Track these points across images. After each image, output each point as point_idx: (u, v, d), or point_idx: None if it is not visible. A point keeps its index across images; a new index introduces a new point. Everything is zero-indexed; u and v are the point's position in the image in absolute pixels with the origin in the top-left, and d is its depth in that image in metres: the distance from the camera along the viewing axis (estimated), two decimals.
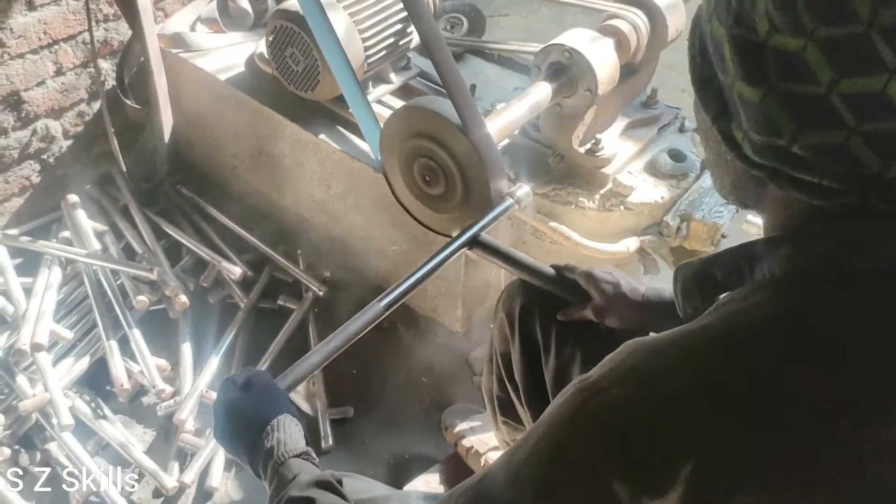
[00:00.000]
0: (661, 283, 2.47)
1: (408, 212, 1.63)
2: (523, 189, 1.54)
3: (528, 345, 1.36)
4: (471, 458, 1.84)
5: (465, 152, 1.46)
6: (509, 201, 1.50)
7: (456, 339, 2.22)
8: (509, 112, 1.66)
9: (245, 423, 1.02)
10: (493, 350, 1.49)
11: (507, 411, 1.49)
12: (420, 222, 1.62)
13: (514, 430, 1.50)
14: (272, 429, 0.99)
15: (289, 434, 0.99)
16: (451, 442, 1.90)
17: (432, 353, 2.19)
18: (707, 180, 1.99)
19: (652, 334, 0.80)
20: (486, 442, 1.83)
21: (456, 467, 1.88)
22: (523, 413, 1.43)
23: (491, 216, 1.44)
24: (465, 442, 1.85)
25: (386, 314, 1.26)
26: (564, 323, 1.32)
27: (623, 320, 1.25)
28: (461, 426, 1.89)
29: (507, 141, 1.99)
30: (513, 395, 1.44)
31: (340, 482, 0.95)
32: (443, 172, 1.50)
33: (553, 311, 1.33)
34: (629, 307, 1.25)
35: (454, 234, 1.58)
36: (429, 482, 1.85)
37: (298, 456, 0.97)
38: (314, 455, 1.00)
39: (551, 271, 1.35)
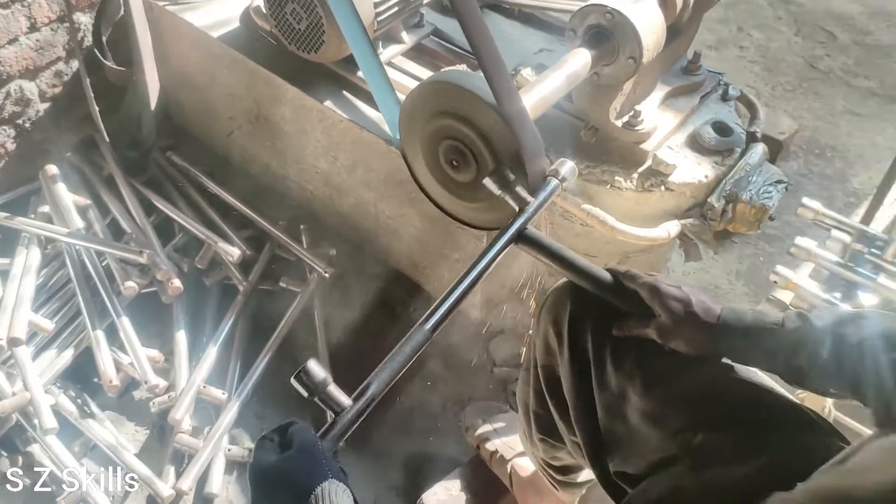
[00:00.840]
0: (703, 271, 2.31)
1: (433, 202, 1.43)
2: (567, 165, 1.33)
3: (577, 358, 1.18)
4: (495, 463, 1.68)
5: (499, 134, 1.26)
6: (553, 182, 1.30)
7: (475, 326, 2.05)
8: (545, 84, 1.46)
9: (284, 492, 0.85)
10: (531, 360, 1.31)
11: (545, 429, 1.32)
12: (447, 213, 1.42)
13: (553, 447, 1.34)
14: (316, 499, 0.83)
15: None
16: (472, 445, 1.74)
17: (449, 341, 2.02)
18: (754, 156, 1.80)
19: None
20: (513, 447, 1.67)
21: (478, 472, 1.73)
22: (566, 432, 1.26)
23: (536, 204, 1.24)
24: (489, 446, 1.69)
25: (433, 337, 1.07)
26: (621, 337, 1.14)
27: (691, 345, 1.07)
28: (483, 428, 1.74)
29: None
30: (554, 412, 1.27)
31: None
32: (473, 157, 1.30)
33: (609, 322, 1.15)
34: (700, 330, 1.06)
35: (486, 226, 1.39)
36: (449, 489, 1.69)
37: None
38: None
39: (608, 276, 1.16)
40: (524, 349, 1.36)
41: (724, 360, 1.10)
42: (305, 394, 0.91)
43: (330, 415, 0.94)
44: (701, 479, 1.01)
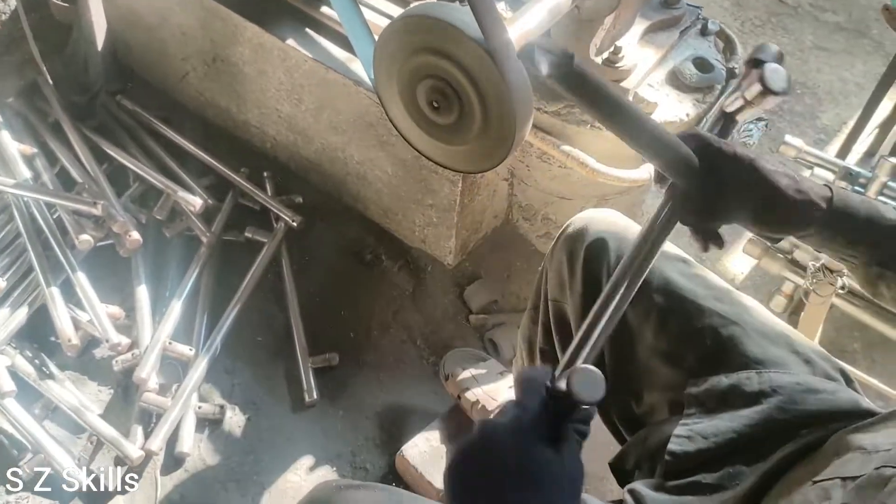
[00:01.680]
0: None
1: (413, 146, 1.35)
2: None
3: (591, 292, 1.12)
4: (476, 413, 1.65)
5: (484, 71, 1.18)
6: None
7: (449, 272, 1.99)
8: (526, 19, 1.36)
9: None
10: (540, 294, 1.26)
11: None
12: (428, 158, 1.34)
13: None
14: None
15: None
16: (452, 394, 1.70)
17: (423, 289, 1.96)
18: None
19: None
20: (495, 397, 1.64)
21: (458, 422, 1.69)
22: None
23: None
24: (470, 395, 1.66)
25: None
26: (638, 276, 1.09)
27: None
28: (463, 375, 1.69)
29: None
30: (559, 350, 1.23)
31: None
32: (456, 97, 1.22)
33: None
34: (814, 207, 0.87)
35: (469, 169, 1.32)
36: (429, 440, 1.66)
37: None
38: None
39: (693, 159, 0.88)
40: (535, 285, 1.29)
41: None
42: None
43: None
44: (706, 425, 0.98)
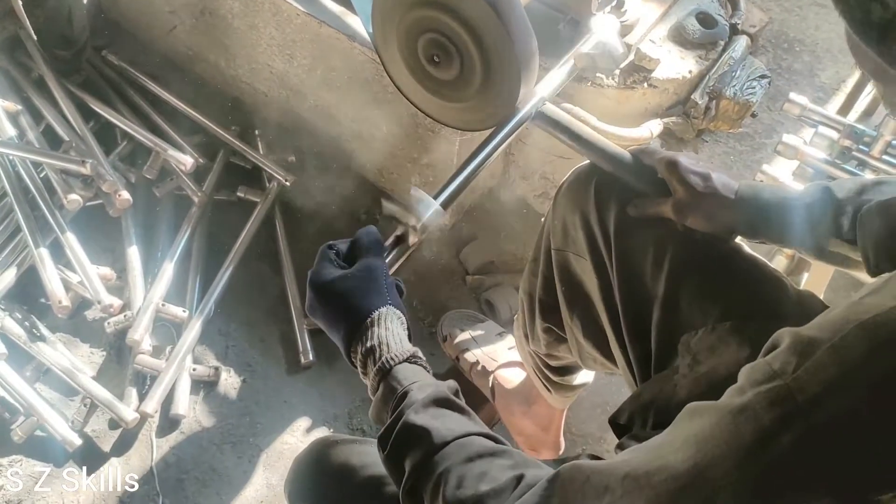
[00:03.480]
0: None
1: (413, 104, 1.31)
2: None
3: (601, 236, 1.13)
4: (476, 374, 1.64)
5: (487, 24, 1.14)
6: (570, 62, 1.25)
7: (445, 232, 1.96)
8: None
9: (343, 310, 0.88)
10: (543, 246, 1.24)
11: (551, 317, 1.27)
12: (428, 115, 1.31)
13: (556, 341, 1.29)
14: (372, 323, 0.86)
15: (391, 332, 0.86)
16: (450, 355, 1.69)
17: (418, 250, 1.94)
18: (738, 50, 1.72)
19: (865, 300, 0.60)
20: (495, 358, 1.62)
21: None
22: (570, 323, 1.21)
23: (561, 79, 1.19)
24: (469, 356, 1.64)
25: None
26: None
27: (709, 221, 1.03)
28: (462, 337, 1.68)
29: None
30: (562, 301, 1.22)
31: (458, 393, 0.85)
32: (457, 51, 1.18)
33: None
34: (719, 205, 1.02)
35: (470, 127, 1.29)
36: None
37: (405, 360, 0.85)
38: (421, 355, 0.88)
39: (627, 155, 1.10)
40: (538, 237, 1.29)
41: (739, 239, 1.07)
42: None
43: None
44: (694, 375, 0.98)
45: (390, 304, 0.88)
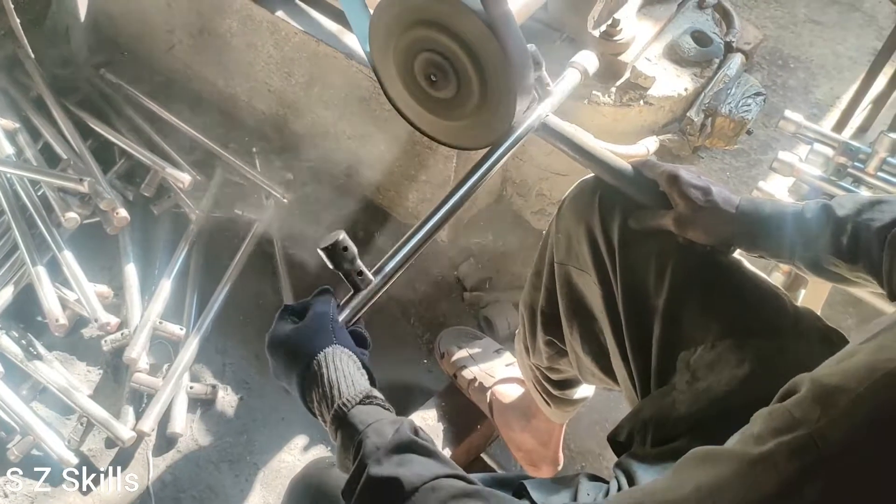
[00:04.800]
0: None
1: (409, 122, 1.32)
2: (585, 55, 1.27)
3: (606, 250, 1.13)
4: (473, 391, 1.63)
5: (483, 43, 1.15)
6: (575, 73, 1.25)
7: (442, 249, 1.97)
8: None
9: (292, 357, 0.86)
10: (546, 258, 1.24)
11: (552, 330, 1.26)
12: (425, 134, 1.31)
13: (558, 354, 1.28)
14: (319, 365, 0.83)
15: (342, 372, 0.83)
16: (448, 372, 1.69)
17: (417, 265, 1.94)
18: (733, 67, 1.73)
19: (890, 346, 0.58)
20: (492, 374, 1.62)
21: (454, 400, 1.68)
22: (570, 334, 1.21)
23: (562, 91, 1.21)
24: (467, 374, 1.64)
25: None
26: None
27: (709, 235, 1.03)
28: (459, 354, 1.68)
29: None
30: (563, 315, 1.22)
31: (417, 431, 0.81)
32: (454, 70, 1.19)
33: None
34: (719, 218, 1.02)
35: (467, 146, 1.29)
36: (425, 419, 1.64)
37: (360, 402, 0.82)
38: (377, 393, 0.84)
39: (628, 168, 1.10)
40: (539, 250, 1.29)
41: (738, 252, 1.07)
42: (331, 265, 0.90)
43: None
44: (693, 391, 0.97)
45: (336, 343, 0.85)
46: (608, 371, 1.17)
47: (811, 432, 0.56)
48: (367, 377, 0.86)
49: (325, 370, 0.83)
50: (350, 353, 0.85)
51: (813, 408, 0.57)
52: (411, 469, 0.75)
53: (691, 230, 1.04)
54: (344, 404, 0.80)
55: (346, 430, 0.80)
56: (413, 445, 0.77)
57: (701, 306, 1.03)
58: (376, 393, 0.84)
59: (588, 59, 1.25)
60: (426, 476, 0.74)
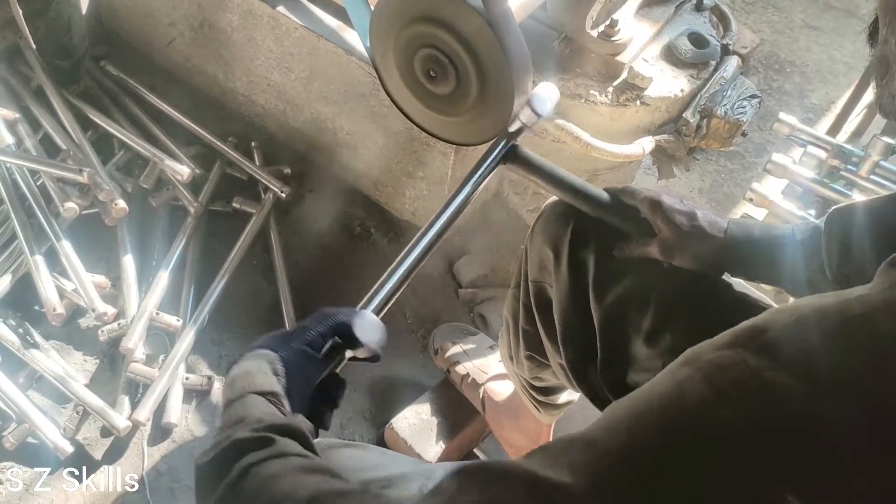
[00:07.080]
0: (678, 187, 2.28)
1: (408, 117, 1.33)
2: (544, 87, 1.27)
3: (577, 277, 1.13)
4: (466, 387, 1.65)
5: (483, 40, 1.16)
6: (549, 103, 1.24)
7: (438, 246, 1.97)
8: None
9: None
10: (521, 274, 1.25)
11: (533, 346, 1.28)
12: (423, 129, 1.33)
13: (539, 367, 1.30)
14: (242, 357, 0.80)
15: (260, 367, 0.77)
16: (442, 368, 1.70)
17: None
18: (729, 70, 1.75)
19: (814, 298, 0.58)
20: (485, 371, 1.64)
21: (448, 395, 1.69)
22: (552, 352, 1.22)
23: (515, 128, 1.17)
24: (460, 369, 1.66)
25: (420, 265, 1.12)
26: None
27: (697, 260, 1.02)
28: (453, 350, 1.69)
29: None
30: (541, 330, 1.22)
31: (315, 433, 0.76)
32: (453, 67, 1.21)
33: (612, 238, 1.10)
34: (707, 244, 1.01)
35: (465, 142, 1.31)
36: (419, 413, 1.66)
37: (263, 395, 0.74)
38: (286, 402, 0.75)
39: (605, 196, 1.10)
40: (517, 263, 1.29)
41: (727, 276, 1.07)
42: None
43: None
44: None
45: (267, 348, 0.81)
46: (584, 384, 1.18)
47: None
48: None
49: (243, 361, 0.80)
50: (277, 356, 0.80)
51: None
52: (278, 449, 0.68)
53: (678, 256, 1.03)
54: (242, 388, 0.76)
55: (231, 414, 0.74)
56: (295, 434, 0.71)
57: (688, 332, 1.02)
58: (283, 399, 0.75)
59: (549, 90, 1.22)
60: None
